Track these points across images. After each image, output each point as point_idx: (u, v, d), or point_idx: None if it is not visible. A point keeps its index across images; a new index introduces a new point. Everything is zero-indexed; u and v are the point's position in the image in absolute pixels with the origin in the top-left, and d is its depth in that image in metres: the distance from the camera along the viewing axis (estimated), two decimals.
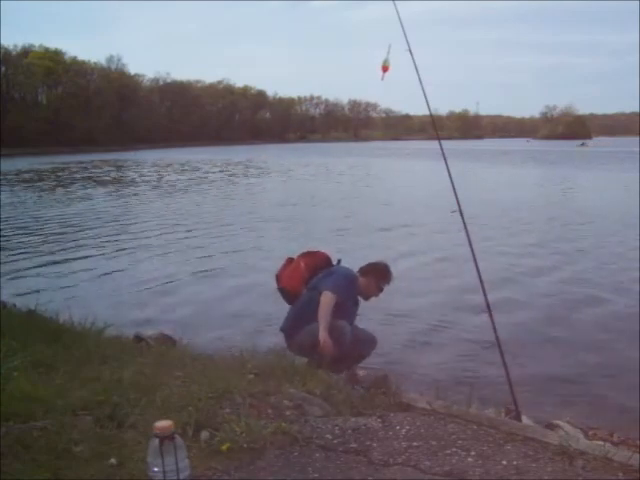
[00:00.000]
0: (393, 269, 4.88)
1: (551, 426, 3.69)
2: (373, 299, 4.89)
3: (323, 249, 5.05)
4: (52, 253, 11.75)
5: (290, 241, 12.07)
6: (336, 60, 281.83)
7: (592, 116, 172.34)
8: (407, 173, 36.59)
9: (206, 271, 9.81)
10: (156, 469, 1.95)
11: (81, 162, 47.33)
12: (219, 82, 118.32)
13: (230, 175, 34.27)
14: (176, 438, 1.98)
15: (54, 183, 29.67)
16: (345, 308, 4.58)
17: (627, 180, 28.18)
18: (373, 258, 5.02)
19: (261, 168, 40.72)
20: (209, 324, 6.87)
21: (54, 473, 2.18)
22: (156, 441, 1.95)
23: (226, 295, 8.29)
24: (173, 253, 11.52)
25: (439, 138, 4.84)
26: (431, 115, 5.07)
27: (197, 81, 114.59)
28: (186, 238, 13.13)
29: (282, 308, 4.88)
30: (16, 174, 35.31)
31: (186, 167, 41.35)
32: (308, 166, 42.07)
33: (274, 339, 4.97)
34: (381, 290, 4.83)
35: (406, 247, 11.57)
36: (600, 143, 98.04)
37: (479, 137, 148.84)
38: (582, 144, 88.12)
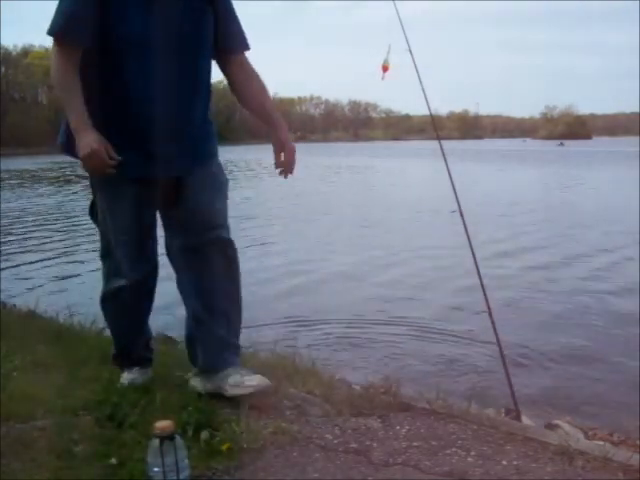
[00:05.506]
0: None
1: (551, 426, 3.68)
2: None
3: None
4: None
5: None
6: (336, 60, 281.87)
7: (592, 116, 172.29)
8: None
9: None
10: (156, 469, 1.95)
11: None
12: (219, 82, 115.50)
13: None
14: (176, 438, 1.98)
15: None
16: None
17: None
18: None
19: None
20: None
21: (54, 473, 2.18)
22: (156, 441, 1.95)
23: None
24: None
25: (439, 138, 4.83)
26: (431, 115, 5.05)
27: None
28: None
29: (282, 307, 4.88)
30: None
31: None
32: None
33: (274, 338, 4.97)
34: None
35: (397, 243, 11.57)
36: (580, 144, 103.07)
37: (479, 137, 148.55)
38: (560, 144, 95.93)
